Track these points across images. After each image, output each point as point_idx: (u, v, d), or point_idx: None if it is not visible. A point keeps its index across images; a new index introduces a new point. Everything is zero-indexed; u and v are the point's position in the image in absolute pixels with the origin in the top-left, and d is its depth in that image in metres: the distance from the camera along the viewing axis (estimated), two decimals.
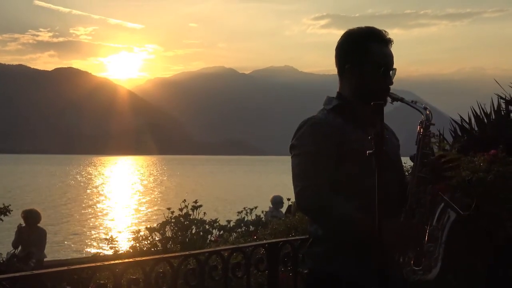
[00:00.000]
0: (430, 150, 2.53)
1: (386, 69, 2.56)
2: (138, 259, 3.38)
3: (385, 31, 2.61)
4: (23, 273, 3.07)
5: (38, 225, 10.28)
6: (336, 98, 2.65)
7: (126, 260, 3.28)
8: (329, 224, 2.47)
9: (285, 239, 4.28)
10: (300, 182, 2.47)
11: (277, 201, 12.29)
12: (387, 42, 2.60)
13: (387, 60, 2.58)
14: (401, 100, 2.56)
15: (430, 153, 2.52)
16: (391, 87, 2.61)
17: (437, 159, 2.57)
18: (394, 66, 2.60)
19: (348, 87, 2.63)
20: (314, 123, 2.55)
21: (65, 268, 3.04)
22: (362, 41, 2.58)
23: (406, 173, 2.86)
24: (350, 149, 2.48)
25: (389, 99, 2.57)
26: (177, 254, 3.63)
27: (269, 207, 12.37)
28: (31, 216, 10.12)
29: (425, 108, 2.55)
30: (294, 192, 2.49)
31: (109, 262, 3.16)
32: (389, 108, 2.61)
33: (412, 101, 2.57)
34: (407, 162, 2.83)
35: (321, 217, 2.49)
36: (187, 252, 3.59)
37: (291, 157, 2.55)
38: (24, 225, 10.12)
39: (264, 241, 4.44)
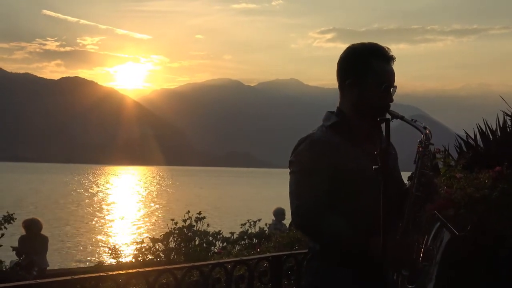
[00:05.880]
0: (428, 169, 2.51)
1: (387, 86, 2.56)
2: (142, 270, 3.38)
3: (388, 48, 2.60)
4: (26, 282, 3.09)
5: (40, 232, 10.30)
6: (335, 115, 2.64)
7: (130, 271, 3.28)
8: (324, 242, 2.52)
9: (289, 252, 4.27)
10: (296, 199, 2.50)
11: (278, 213, 12.28)
12: (390, 59, 2.59)
13: (389, 77, 2.57)
14: (401, 118, 2.53)
15: (428, 172, 2.50)
16: (391, 104, 2.59)
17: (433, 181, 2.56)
18: (398, 82, 2.60)
19: (348, 102, 2.63)
20: (312, 141, 2.55)
21: (69, 277, 3.04)
22: (364, 57, 2.57)
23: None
24: (346, 168, 2.49)
25: (389, 116, 2.54)
26: (180, 265, 3.62)
27: (272, 219, 12.36)
28: (32, 226, 10.13)
29: (425, 128, 2.52)
30: (291, 210, 2.52)
31: (112, 273, 3.17)
32: (394, 123, 2.60)
33: (412, 120, 2.54)
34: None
35: (316, 234, 2.54)
36: (190, 264, 3.59)
37: (289, 174, 2.57)
38: (25, 234, 10.12)
39: (268, 254, 4.44)
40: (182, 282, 3.38)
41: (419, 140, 2.52)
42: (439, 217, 2.49)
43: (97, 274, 3.11)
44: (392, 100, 2.59)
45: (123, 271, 3.24)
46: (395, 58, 2.61)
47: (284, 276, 3.98)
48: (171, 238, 9.60)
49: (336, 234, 2.43)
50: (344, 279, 2.48)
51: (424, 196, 2.47)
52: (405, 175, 2.89)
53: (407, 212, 2.45)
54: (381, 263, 2.32)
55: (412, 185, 2.48)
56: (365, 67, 2.56)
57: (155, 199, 57.37)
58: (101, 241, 26.28)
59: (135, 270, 3.31)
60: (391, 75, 2.59)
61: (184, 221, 9.84)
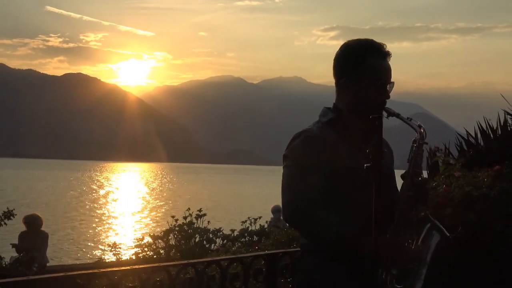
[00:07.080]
0: (421, 169, 2.49)
1: (383, 83, 2.53)
2: (136, 267, 3.37)
3: (384, 44, 2.58)
4: (19, 278, 3.06)
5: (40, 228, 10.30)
6: (332, 111, 2.62)
7: (124, 268, 3.27)
8: (313, 238, 2.49)
9: (284, 250, 4.26)
10: (287, 194, 2.47)
11: (274, 210, 12.41)
12: (386, 55, 2.57)
13: (385, 74, 2.55)
14: (397, 115, 2.51)
15: (421, 172, 2.48)
16: (391, 102, 2.58)
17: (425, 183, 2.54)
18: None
19: (344, 99, 2.60)
20: (307, 137, 2.53)
21: (62, 274, 3.03)
22: (360, 54, 2.54)
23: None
24: (341, 165, 2.47)
25: (385, 113, 2.52)
26: (175, 262, 3.61)
27: (271, 217, 12.42)
28: (32, 222, 10.12)
29: (420, 126, 2.50)
30: (282, 204, 2.49)
31: (105, 269, 3.14)
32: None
33: (407, 118, 2.52)
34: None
35: (305, 230, 2.51)
36: (185, 261, 3.57)
37: (283, 168, 2.54)
38: (25, 230, 10.12)
39: (263, 252, 4.42)
40: (177, 280, 3.36)
41: (413, 139, 2.50)
42: (430, 217, 2.47)
43: (91, 271, 3.09)
44: (388, 97, 2.56)
45: (116, 268, 3.23)
46: (391, 54, 2.58)
47: (279, 274, 3.96)
48: (171, 235, 9.58)
49: (328, 231, 2.40)
50: (336, 275, 2.46)
51: (415, 196, 2.45)
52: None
53: (398, 211, 2.43)
54: (373, 261, 2.30)
55: (405, 185, 2.46)
56: (361, 64, 2.53)
57: (157, 196, 57.40)
58: (102, 237, 26.30)
59: (129, 267, 3.29)
60: (387, 71, 2.56)
61: (185, 218, 9.82)
